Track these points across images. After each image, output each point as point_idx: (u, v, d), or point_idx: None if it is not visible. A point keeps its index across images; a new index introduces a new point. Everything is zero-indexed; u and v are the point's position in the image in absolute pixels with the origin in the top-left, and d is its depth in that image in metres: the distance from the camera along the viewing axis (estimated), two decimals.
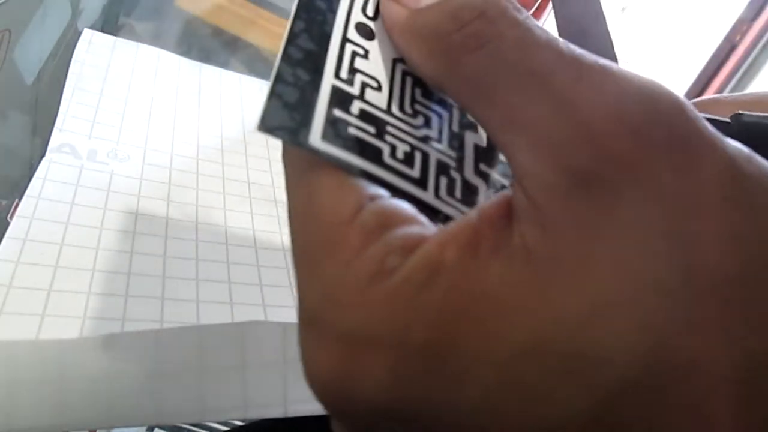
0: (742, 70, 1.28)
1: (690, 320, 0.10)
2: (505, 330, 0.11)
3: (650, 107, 0.11)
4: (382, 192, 0.13)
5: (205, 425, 0.61)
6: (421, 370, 0.11)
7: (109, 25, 0.48)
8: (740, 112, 0.18)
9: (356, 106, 0.14)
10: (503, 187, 0.16)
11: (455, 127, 0.16)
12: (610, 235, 0.11)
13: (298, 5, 0.15)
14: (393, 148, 0.14)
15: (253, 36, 0.52)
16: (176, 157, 0.34)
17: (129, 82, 0.38)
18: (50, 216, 0.26)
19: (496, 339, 0.11)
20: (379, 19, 0.16)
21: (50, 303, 0.22)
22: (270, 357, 0.23)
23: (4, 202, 0.28)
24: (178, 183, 0.32)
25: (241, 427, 0.34)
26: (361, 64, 0.15)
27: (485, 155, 0.16)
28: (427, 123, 0.15)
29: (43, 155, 0.29)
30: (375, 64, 0.15)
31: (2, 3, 0.31)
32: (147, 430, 0.56)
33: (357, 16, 0.16)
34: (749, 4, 1.26)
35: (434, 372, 0.11)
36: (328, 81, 0.14)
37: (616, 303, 0.10)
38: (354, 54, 0.15)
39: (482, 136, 0.16)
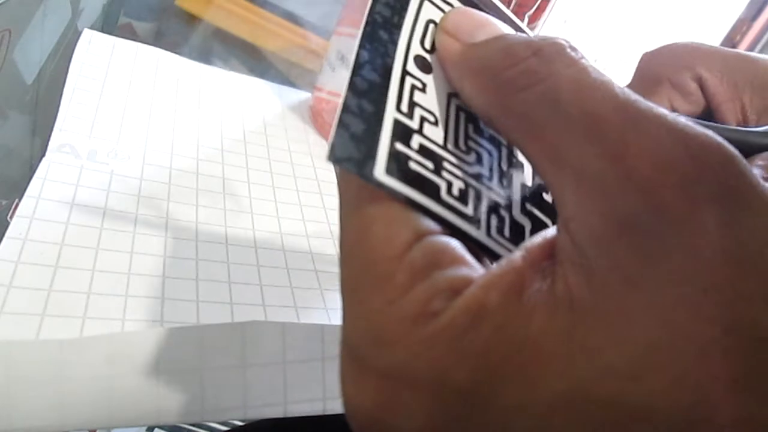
0: None
1: (731, 378, 0.10)
2: (547, 378, 0.11)
3: (701, 158, 0.11)
4: (434, 227, 0.13)
5: (205, 425, 0.61)
6: (459, 414, 0.11)
7: (109, 25, 0.48)
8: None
9: (416, 141, 0.14)
10: (547, 227, 0.16)
11: (504, 166, 0.16)
12: (653, 286, 0.11)
13: (363, 35, 0.15)
14: (449, 185, 0.14)
15: (253, 36, 0.52)
16: (176, 157, 0.34)
17: (129, 82, 0.38)
18: (50, 216, 0.26)
19: (537, 387, 0.11)
20: (436, 53, 0.16)
21: (50, 303, 0.22)
22: (270, 357, 0.23)
23: (4, 202, 0.28)
24: (178, 183, 0.32)
25: (241, 427, 0.34)
26: (420, 98, 0.15)
27: (531, 195, 0.16)
28: (479, 160, 0.15)
29: (43, 155, 0.29)
30: (432, 98, 0.15)
31: (2, 3, 0.31)
32: (147, 430, 0.56)
33: (416, 49, 0.16)
34: (749, 4, 1.25)
35: (472, 417, 0.11)
36: (390, 114, 0.14)
37: (657, 357, 0.10)
38: (413, 87, 0.15)
39: (528, 176, 0.16)
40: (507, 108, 0.13)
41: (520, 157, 0.17)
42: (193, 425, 0.60)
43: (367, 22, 0.15)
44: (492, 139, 0.16)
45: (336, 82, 0.40)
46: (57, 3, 0.39)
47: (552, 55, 0.13)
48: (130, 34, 0.48)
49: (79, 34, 0.39)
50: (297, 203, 0.35)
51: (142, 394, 0.21)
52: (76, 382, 0.20)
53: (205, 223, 0.30)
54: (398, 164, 0.13)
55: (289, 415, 0.23)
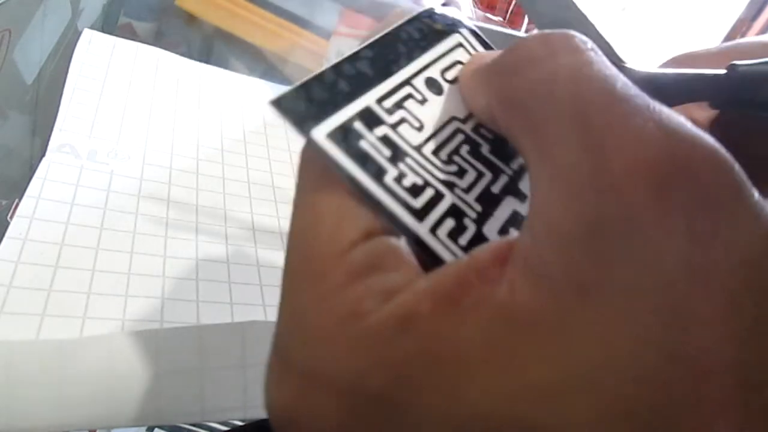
0: None
1: (663, 413, 0.09)
2: (467, 393, 0.10)
3: (687, 161, 0.10)
4: (385, 229, 0.13)
5: (205, 425, 0.61)
6: (371, 421, 0.11)
7: (109, 25, 0.48)
8: (735, 62, 0.17)
9: (382, 130, 0.14)
10: None
11: (496, 189, 0.16)
12: (604, 299, 0.10)
13: (377, 40, 0.15)
14: (401, 175, 0.14)
15: (253, 36, 0.52)
16: (176, 157, 0.34)
17: (129, 82, 0.38)
18: (50, 216, 0.26)
19: (456, 401, 0.10)
20: (456, 84, 0.16)
21: (50, 303, 0.22)
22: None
23: (4, 202, 0.28)
24: (178, 183, 0.32)
25: (241, 427, 0.34)
26: (412, 106, 0.15)
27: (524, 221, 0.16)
28: (460, 174, 0.15)
29: (43, 155, 0.29)
30: (428, 112, 0.15)
31: (2, 3, 0.31)
32: (147, 430, 0.56)
33: (433, 72, 0.16)
34: (749, 4, 1.25)
35: (384, 427, 0.11)
36: (365, 100, 0.14)
37: (587, 380, 0.09)
38: (409, 96, 0.15)
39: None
40: (506, 96, 0.13)
41: (526, 190, 0.16)
42: (193, 425, 0.60)
43: (389, 33, 0.16)
44: (490, 165, 0.16)
45: None
46: (57, 3, 0.39)
47: (557, 43, 0.12)
48: (130, 34, 0.48)
49: (79, 34, 0.39)
50: None
51: (142, 394, 0.21)
52: (76, 382, 0.20)
53: (205, 222, 0.30)
54: (346, 136, 0.13)
55: None
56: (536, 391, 0.10)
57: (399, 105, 0.15)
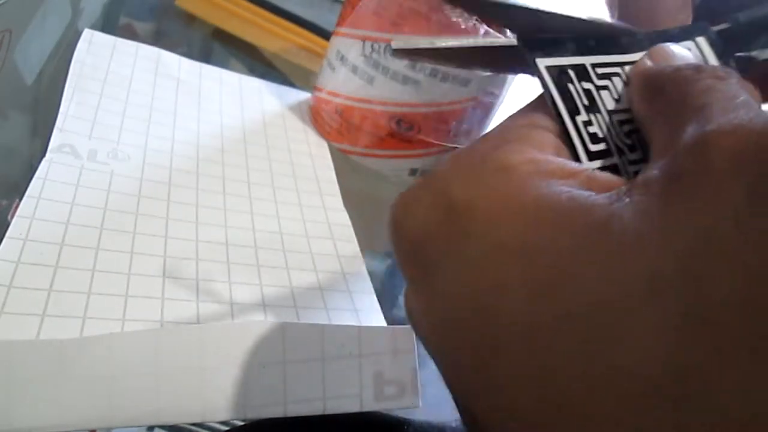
0: None
1: (659, 326, 0.11)
2: (505, 233, 0.13)
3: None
4: (555, 129, 0.16)
5: (205, 425, 0.61)
6: (439, 221, 0.14)
7: (109, 25, 0.48)
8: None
9: (587, 85, 0.18)
10: None
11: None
12: (655, 224, 0.12)
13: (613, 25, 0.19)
14: (589, 122, 0.17)
15: (253, 36, 0.52)
16: (176, 157, 0.34)
17: (129, 82, 0.38)
18: (50, 216, 0.26)
19: (498, 231, 0.13)
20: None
21: (50, 303, 0.22)
22: (270, 357, 0.23)
23: (4, 202, 0.28)
24: (178, 183, 0.32)
25: (241, 427, 0.34)
26: (617, 82, 0.18)
27: None
28: (631, 148, 0.18)
29: (43, 155, 0.29)
30: (627, 93, 0.18)
31: (2, 3, 0.31)
32: (147, 430, 0.56)
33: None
34: None
35: (446, 229, 0.14)
36: (583, 60, 0.18)
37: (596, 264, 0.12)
38: (617, 74, 0.18)
39: None
40: (653, 103, 0.16)
41: None
42: (193, 425, 0.60)
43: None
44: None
45: (336, 82, 0.40)
46: (57, 3, 0.39)
47: (706, 69, 0.15)
48: (131, 34, 0.48)
49: (80, 34, 0.39)
50: (297, 203, 0.35)
51: (142, 394, 0.21)
52: (76, 382, 0.20)
53: (205, 223, 0.30)
54: (560, 74, 0.17)
55: (289, 415, 0.23)
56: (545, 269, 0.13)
57: (607, 77, 0.18)
